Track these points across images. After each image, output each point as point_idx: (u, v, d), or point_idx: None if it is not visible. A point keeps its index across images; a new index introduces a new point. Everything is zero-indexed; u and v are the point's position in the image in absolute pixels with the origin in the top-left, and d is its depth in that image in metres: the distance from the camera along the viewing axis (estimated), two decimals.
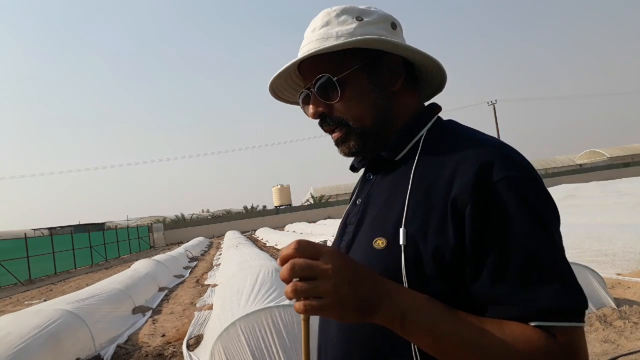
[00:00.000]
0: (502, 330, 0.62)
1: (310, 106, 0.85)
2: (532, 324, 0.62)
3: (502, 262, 0.64)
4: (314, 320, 0.83)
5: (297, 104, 0.94)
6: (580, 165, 52.57)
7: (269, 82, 0.88)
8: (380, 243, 0.74)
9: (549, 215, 0.69)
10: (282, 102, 0.95)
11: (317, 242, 0.64)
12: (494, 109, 38.73)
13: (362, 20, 0.81)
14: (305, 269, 0.60)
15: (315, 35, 0.82)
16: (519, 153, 0.74)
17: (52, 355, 4.46)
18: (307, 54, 0.79)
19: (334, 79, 0.80)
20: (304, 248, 0.61)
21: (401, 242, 0.71)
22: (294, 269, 0.61)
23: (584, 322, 0.64)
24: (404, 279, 0.69)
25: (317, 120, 0.86)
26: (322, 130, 0.88)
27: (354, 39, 0.78)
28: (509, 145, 0.75)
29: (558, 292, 0.62)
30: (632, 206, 9.27)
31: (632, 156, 50.96)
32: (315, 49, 0.78)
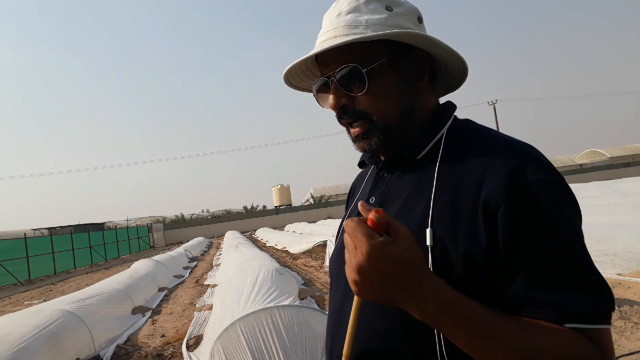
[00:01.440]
0: (544, 329, 0.61)
1: (331, 96, 0.80)
2: (568, 325, 0.61)
3: (538, 265, 0.64)
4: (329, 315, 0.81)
5: (307, 90, 0.91)
6: (581, 165, 52.56)
7: (286, 69, 0.84)
8: None
9: (578, 218, 0.69)
10: (291, 89, 0.92)
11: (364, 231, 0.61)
12: (494, 109, 38.71)
13: (392, 10, 0.78)
14: (352, 234, 0.61)
15: (342, 22, 0.78)
16: (544, 155, 0.73)
17: (51, 355, 4.45)
18: (341, 41, 0.74)
19: (364, 71, 0.76)
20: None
21: (428, 243, 0.69)
22: (353, 231, 0.61)
23: (611, 323, 0.64)
24: None
25: (335, 112, 0.82)
26: (339, 122, 0.84)
27: (394, 31, 0.74)
28: (534, 147, 0.74)
29: (594, 296, 0.62)
30: (632, 206, 9.26)
31: (633, 156, 50.96)
32: (350, 37, 0.74)
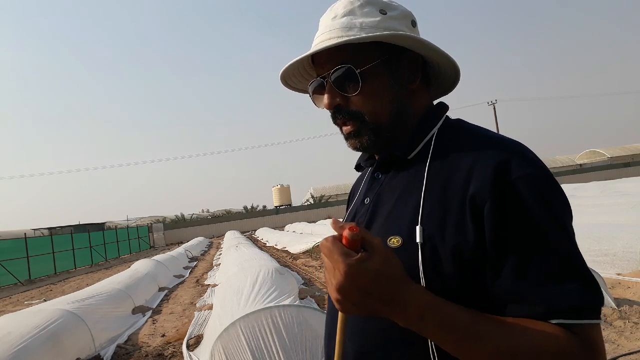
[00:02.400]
0: (526, 327, 0.61)
1: (326, 96, 0.82)
2: (554, 321, 0.61)
3: (524, 260, 0.64)
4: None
5: (304, 91, 0.92)
6: (580, 165, 52.58)
7: (282, 69, 0.86)
8: (395, 242, 0.73)
9: (566, 212, 0.69)
10: (289, 90, 0.93)
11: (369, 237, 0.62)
12: (494, 109, 38.71)
13: (385, 14, 0.80)
14: (328, 254, 0.61)
15: (337, 24, 0.80)
16: (533, 151, 0.73)
17: (52, 355, 4.46)
18: (335, 42, 0.76)
19: (357, 71, 0.78)
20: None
21: (418, 240, 0.70)
22: (328, 251, 0.61)
23: (600, 319, 0.64)
24: (421, 277, 0.69)
25: (330, 112, 0.84)
26: (333, 122, 0.86)
27: (386, 33, 0.76)
28: (522, 144, 0.75)
29: (580, 290, 0.62)
30: (632, 206, 9.25)
31: (632, 156, 50.96)
32: (344, 38, 0.76)
